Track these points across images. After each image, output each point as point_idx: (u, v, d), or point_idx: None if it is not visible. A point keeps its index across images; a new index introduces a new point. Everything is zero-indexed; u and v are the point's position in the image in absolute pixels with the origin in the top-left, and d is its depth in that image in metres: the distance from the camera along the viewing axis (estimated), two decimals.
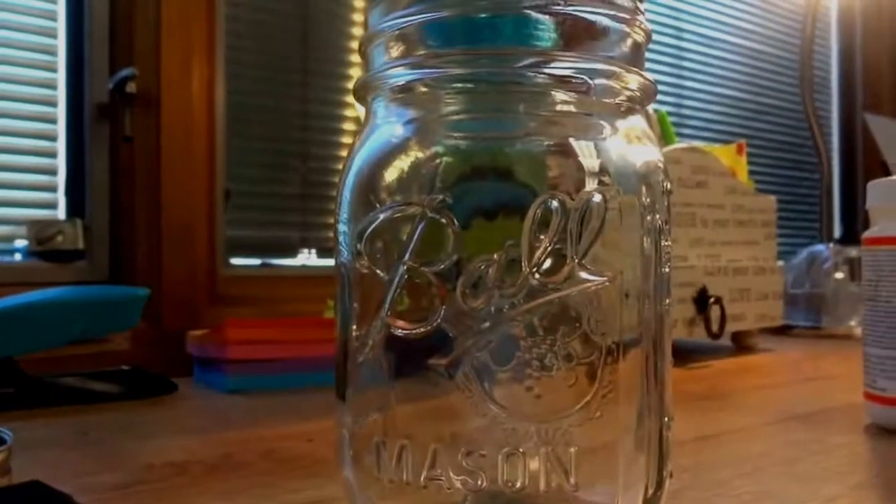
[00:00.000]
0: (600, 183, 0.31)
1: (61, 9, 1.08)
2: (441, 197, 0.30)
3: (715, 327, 1.04)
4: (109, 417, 0.66)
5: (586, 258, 0.30)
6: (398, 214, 0.31)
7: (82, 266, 1.04)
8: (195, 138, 1.08)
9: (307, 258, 1.28)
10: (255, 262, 1.23)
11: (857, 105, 2.38)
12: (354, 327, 0.33)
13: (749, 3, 2.17)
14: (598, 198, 0.30)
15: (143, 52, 1.07)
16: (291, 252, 1.27)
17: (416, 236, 0.31)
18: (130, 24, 1.07)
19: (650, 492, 0.32)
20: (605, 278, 0.30)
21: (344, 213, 0.33)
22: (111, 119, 1.08)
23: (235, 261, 1.17)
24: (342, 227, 0.33)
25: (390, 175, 0.32)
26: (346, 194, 0.33)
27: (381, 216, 0.32)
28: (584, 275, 0.30)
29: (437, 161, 0.32)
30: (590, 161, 0.31)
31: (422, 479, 0.31)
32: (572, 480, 0.30)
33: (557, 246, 0.30)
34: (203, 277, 1.07)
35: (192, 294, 1.05)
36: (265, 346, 0.77)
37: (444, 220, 0.30)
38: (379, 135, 0.33)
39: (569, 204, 0.30)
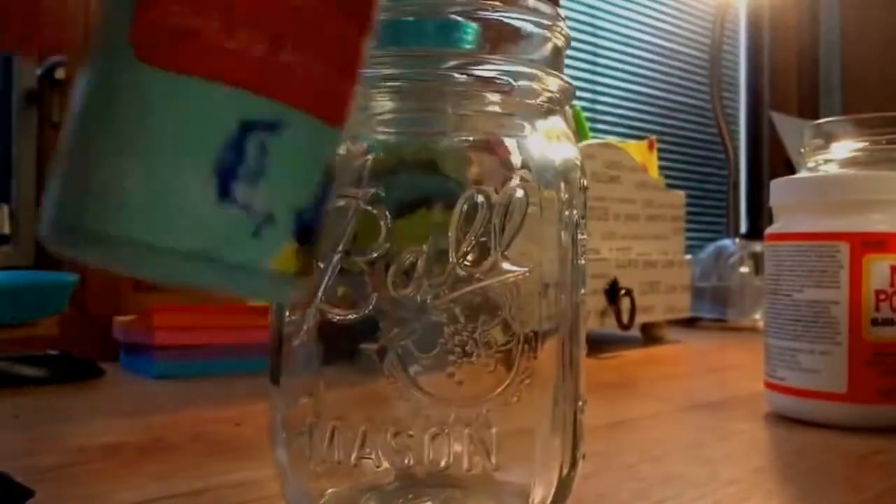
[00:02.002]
0: (522, 179, 0.32)
1: None
2: (374, 190, 0.31)
3: (625, 318, 1.06)
4: (38, 401, 0.66)
5: (508, 250, 0.32)
6: (333, 206, 0.32)
7: (7, 251, 1.02)
8: None
9: None
10: None
11: (764, 104, 2.43)
12: (288, 313, 0.34)
13: (663, 2, 2.21)
14: (520, 193, 0.32)
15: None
16: None
17: (349, 227, 0.32)
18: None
19: (565, 471, 0.33)
20: (525, 269, 0.32)
21: None
22: (39, 105, 1.07)
23: None
24: None
25: None
26: None
27: None
28: (505, 266, 0.32)
29: (368, 156, 0.33)
30: (512, 158, 0.33)
31: (352, 458, 0.32)
32: (493, 460, 0.32)
33: (482, 238, 0.31)
34: None
35: (118, 280, 1.04)
36: (192, 332, 0.78)
37: (376, 212, 0.31)
38: None
39: (493, 198, 0.31)
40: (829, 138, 0.64)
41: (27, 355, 0.73)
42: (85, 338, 0.89)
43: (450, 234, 0.31)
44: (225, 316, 0.81)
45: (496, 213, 0.31)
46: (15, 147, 1.06)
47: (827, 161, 0.64)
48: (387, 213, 0.31)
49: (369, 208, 0.31)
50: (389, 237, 0.32)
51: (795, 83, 2.47)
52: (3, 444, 0.51)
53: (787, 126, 1.89)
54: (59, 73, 1.03)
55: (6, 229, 1.02)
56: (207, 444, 0.51)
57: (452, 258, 0.31)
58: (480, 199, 0.31)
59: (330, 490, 0.33)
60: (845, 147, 0.63)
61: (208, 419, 0.59)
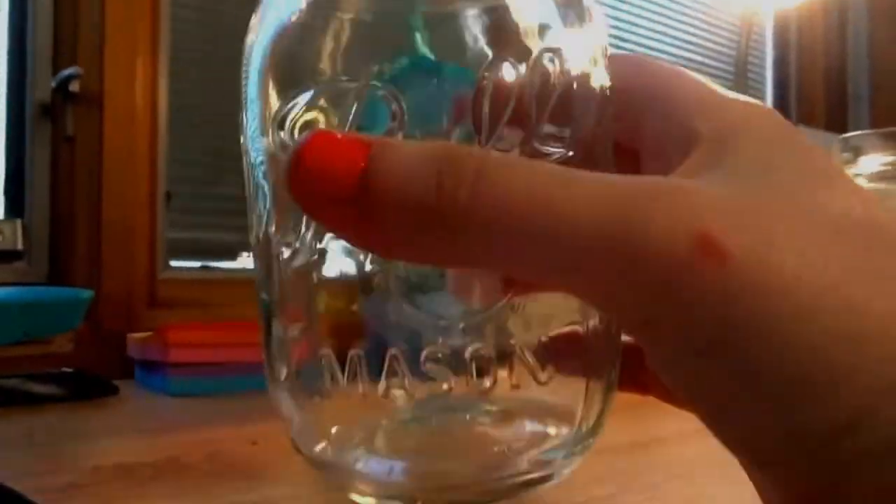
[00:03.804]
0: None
1: (4, 6, 1.07)
2: (379, 68, 0.25)
3: None
4: (52, 419, 0.65)
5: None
6: (330, 91, 0.26)
7: (21, 267, 1.02)
8: (137, 139, 1.07)
9: (247, 261, 1.27)
10: (195, 264, 1.22)
11: (791, 117, 2.41)
12: (280, 236, 0.27)
13: (687, 14, 2.20)
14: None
15: (86, 51, 1.06)
16: (231, 255, 1.26)
17: (353, 113, 0.25)
18: (75, 23, 1.06)
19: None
20: None
21: (253, 107, 0.29)
22: (53, 118, 1.07)
23: (175, 263, 1.16)
24: (252, 122, 0.29)
25: (311, 50, 0.27)
26: (254, 76, 0.29)
27: (307, 95, 0.26)
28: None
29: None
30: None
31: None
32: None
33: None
34: (143, 280, 1.06)
35: (132, 296, 1.04)
36: (206, 349, 0.77)
37: (386, 94, 0.25)
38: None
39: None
40: (857, 152, 0.63)
41: (41, 373, 0.73)
42: (98, 355, 0.89)
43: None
44: (240, 332, 0.81)
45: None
46: (29, 161, 1.06)
47: (855, 175, 0.63)
48: (398, 96, 0.25)
49: (377, 90, 0.25)
50: (401, 124, 0.25)
51: (823, 96, 2.45)
52: (16, 463, 0.51)
53: (814, 140, 1.87)
54: (74, 86, 1.03)
55: (19, 244, 1.02)
56: (222, 464, 0.51)
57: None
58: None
59: None
60: (874, 161, 0.62)
61: (223, 437, 0.58)
